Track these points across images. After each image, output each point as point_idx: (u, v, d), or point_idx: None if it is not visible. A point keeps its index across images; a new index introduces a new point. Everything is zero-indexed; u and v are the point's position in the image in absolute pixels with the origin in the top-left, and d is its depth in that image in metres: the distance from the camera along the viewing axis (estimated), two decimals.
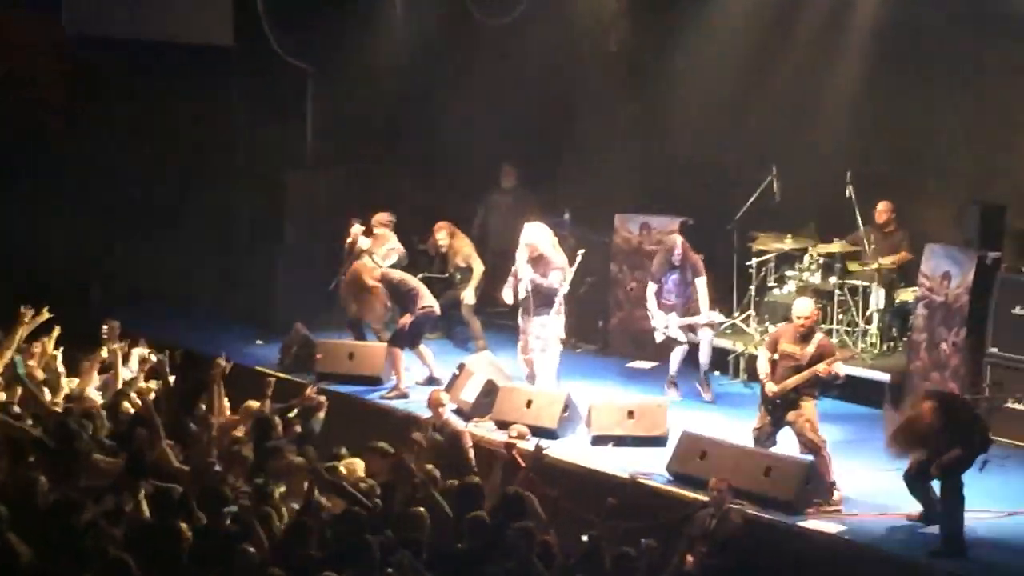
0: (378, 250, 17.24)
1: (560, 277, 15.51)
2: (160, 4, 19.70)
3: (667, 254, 16.27)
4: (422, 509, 11.12)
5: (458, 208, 19.14)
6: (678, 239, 16.33)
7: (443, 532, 11.04)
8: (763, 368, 13.59)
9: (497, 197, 19.05)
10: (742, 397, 16.20)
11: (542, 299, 15.54)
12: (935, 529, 12.57)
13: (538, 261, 15.54)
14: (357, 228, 17.42)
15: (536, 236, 15.62)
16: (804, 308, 13.54)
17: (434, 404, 14.07)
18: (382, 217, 17.49)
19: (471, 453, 13.74)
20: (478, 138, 19.26)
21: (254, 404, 13.49)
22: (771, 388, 13.39)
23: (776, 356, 13.55)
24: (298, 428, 13.24)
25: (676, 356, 16.26)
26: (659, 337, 16.31)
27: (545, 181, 19.19)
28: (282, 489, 11.53)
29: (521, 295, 15.67)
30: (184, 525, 10.23)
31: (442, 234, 17.98)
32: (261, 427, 12.86)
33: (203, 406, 13.20)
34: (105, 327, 15.32)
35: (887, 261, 16.62)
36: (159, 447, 12.11)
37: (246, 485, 11.54)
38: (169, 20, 19.77)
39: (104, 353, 14.82)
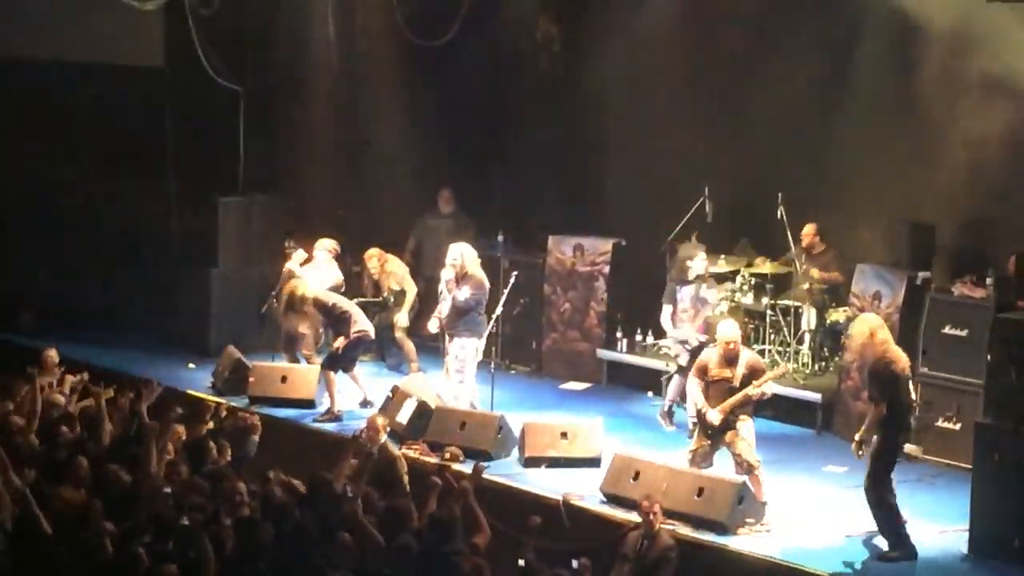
0: (313, 274, 17.09)
1: (469, 292, 15.52)
2: (90, 25, 19.58)
3: (681, 270, 16.19)
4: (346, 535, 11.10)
5: (392, 230, 19.14)
6: (702, 252, 16.22)
7: (373, 557, 11.00)
8: (699, 398, 13.58)
9: (434, 222, 18.92)
10: (675, 417, 16.21)
11: (458, 316, 15.58)
12: (864, 549, 12.75)
13: (462, 279, 15.59)
14: (300, 254, 17.26)
15: (462, 254, 15.69)
16: (731, 332, 13.59)
17: (372, 428, 13.98)
18: (326, 243, 17.31)
19: (406, 479, 13.66)
20: (411, 159, 19.27)
21: (181, 429, 13.40)
22: (715, 417, 13.38)
23: (706, 381, 13.59)
24: (230, 452, 13.19)
25: (674, 384, 16.19)
26: (684, 360, 15.86)
27: (477, 203, 19.19)
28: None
29: (444, 313, 15.69)
30: (142, 551, 10.23)
31: (373, 262, 17.95)
32: (197, 451, 12.80)
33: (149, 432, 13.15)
34: (45, 355, 15.26)
35: (815, 276, 16.67)
36: (110, 468, 12.06)
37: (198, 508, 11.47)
38: (100, 42, 19.68)
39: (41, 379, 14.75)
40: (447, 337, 15.80)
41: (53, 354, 15.35)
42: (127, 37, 19.53)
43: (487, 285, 15.81)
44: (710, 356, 13.70)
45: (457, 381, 15.73)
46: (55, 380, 15.04)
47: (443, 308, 15.74)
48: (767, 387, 13.47)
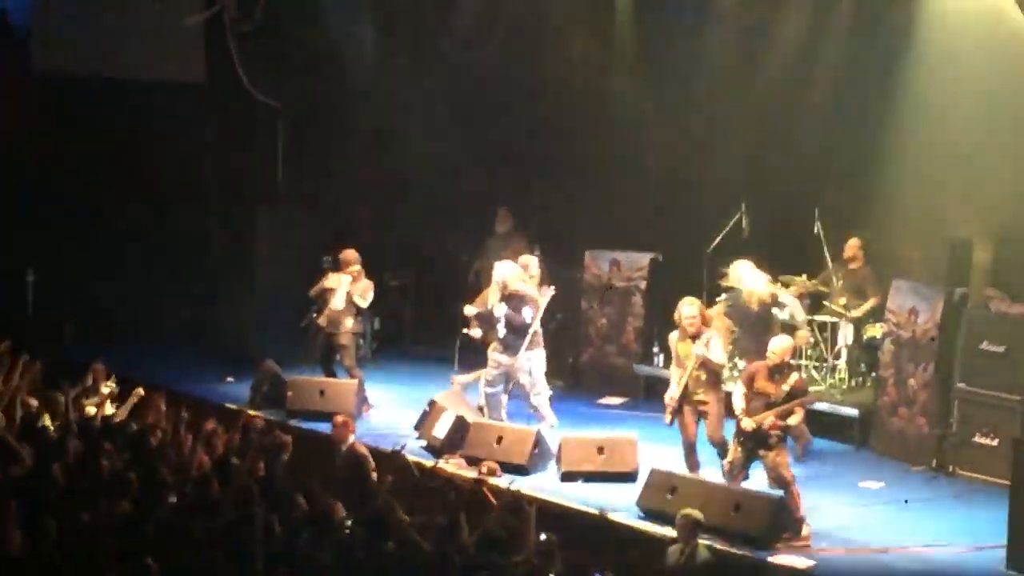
0: (357, 287, 17.10)
1: (531, 313, 15.62)
2: (131, 42, 19.76)
3: None
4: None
5: (427, 241, 19.25)
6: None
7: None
8: (739, 403, 13.61)
9: (491, 242, 18.81)
10: None
11: (517, 335, 15.67)
12: (904, 563, 12.74)
13: (510, 298, 15.66)
14: (340, 278, 17.20)
15: (505, 273, 15.75)
16: (779, 347, 13.63)
17: (339, 426, 14.17)
18: (354, 255, 17.34)
19: (374, 477, 13.62)
20: (447, 172, 19.33)
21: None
22: (747, 424, 13.44)
23: (751, 392, 13.60)
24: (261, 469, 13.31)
25: None
26: None
27: (515, 219, 19.21)
28: None
29: (501, 333, 15.77)
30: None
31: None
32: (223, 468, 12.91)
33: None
34: (93, 369, 15.41)
35: (858, 313, 16.65)
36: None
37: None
38: (140, 58, 19.85)
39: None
40: (509, 355, 15.75)
41: (101, 368, 15.50)
42: (168, 54, 19.70)
43: (538, 297, 15.90)
44: (760, 368, 13.74)
45: (533, 396, 15.81)
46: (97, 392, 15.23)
47: (499, 327, 15.76)
48: (794, 419, 13.46)
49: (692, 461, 14.40)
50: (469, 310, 16.43)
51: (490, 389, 16.01)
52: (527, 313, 15.63)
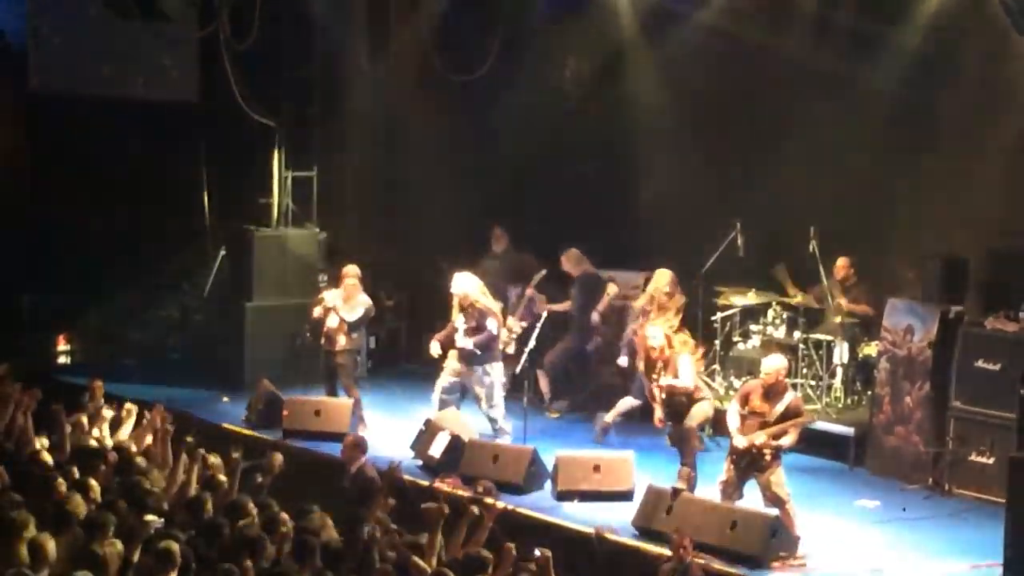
0: (346, 304, 17.08)
1: (496, 323, 15.68)
2: (127, 61, 19.77)
3: None
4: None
5: (423, 260, 19.22)
6: None
7: None
8: (733, 422, 13.63)
9: (487, 262, 18.78)
10: (708, 451, 16.20)
11: (482, 348, 15.79)
12: None
13: (470, 310, 15.70)
14: (331, 294, 17.18)
15: (464, 286, 15.85)
16: (772, 365, 13.62)
17: (351, 448, 14.09)
18: (353, 269, 17.31)
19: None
20: (443, 193, 19.33)
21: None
22: (740, 441, 13.44)
23: (745, 411, 13.60)
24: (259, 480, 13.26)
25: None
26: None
27: (511, 237, 19.22)
28: None
29: (460, 343, 15.88)
30: None
31: None
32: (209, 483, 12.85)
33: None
34: (91, 386, 15.37)
35: (844, 307, 16.66)
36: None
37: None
38: (136, 77, 19.85)
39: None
40: (466, 367, 15.93)
41: (99, 385, 15.47)
42: (162, 72, 19.70)
43: (497, 308, 16.03)
44: (754, 387, 13.73)
45: (488, 407, 15.90)
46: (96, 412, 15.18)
47: (457, 339, 15.88)
48: (788, 439, 13.43)
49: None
50: (434, 347, 16.39)
51: (445, 396, 16.15)
52: (492, 324, 15.70)
